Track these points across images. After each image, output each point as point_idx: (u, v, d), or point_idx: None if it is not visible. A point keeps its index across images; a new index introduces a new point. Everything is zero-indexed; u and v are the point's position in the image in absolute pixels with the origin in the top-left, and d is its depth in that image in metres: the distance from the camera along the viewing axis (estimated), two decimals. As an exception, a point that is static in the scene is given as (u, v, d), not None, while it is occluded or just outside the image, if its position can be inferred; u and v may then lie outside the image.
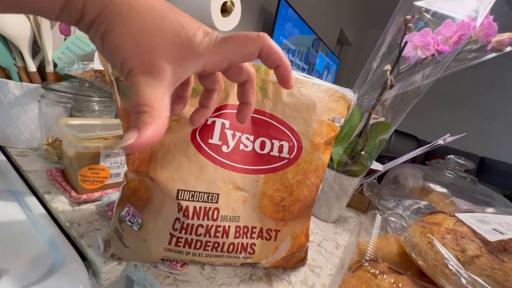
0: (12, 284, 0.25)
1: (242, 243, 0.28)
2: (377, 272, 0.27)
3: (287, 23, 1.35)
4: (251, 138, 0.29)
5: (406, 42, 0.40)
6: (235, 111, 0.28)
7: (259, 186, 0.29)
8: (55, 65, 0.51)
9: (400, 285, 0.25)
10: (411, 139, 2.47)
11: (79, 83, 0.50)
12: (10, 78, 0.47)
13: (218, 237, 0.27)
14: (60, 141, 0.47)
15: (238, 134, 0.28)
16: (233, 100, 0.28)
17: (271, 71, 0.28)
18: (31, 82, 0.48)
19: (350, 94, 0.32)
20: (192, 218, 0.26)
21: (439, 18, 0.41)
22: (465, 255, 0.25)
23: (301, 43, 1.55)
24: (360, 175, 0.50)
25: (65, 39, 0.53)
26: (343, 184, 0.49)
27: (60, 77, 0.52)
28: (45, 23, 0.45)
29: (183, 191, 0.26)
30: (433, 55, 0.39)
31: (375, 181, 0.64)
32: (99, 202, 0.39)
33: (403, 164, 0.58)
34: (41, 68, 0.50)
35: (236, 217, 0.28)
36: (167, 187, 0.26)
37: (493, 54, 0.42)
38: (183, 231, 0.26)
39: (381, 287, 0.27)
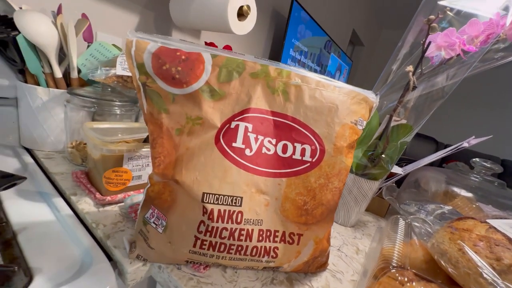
0: (45, 282, 0.26)
1: (265, 247, 0.28)
2: (405, 279, 0.26)
3: (300, 25, 1.34)
4: (273, 141, 0.29)
5: (429, 43, 0.39)
6: (258, 115, 0.28)
7: (282, 190, 0.28)
8: (79, 71, 0.53)
9: (431, 293, 0.25)
10: (429, 141, 2.39)
11: (101, 88, 0.52)
12: (38, 84, 0.49)
13: (241, 240, 0.27)
14: (84, 144, 0.49)
15: (260, 137, 0.28)
16: (255, 104, 0.28)
17: (293, 74, 0.28)
18: (57, 87, 0.50)
19: (372, 97, 0.31)
20: (217, 221, 0.26)
21: (463, 17, 0.40)
22: (500, 263, 0.24)
23: (313, 45, 1.54)
24: (380, 179, 0.49)
25: (88, 46, 0.55)
26: (362, 187, 0.48)
27: (84, 82, 0.54)
28: (71, 31, 0.47)
29: (208, 194, 0.26)
30: (458, 55, 0.38)
31: (394, 185, 0.62)
32: (122, 204, 0.40)
33: (424, 167, 0.56)
34: (66, 74, 0.53)
35: (259, 221, 0.28)
36: (193, 190, 0.26)
37: (522, 53, 0.40)
38: (208, 234, 0.26)
39: (410, 295, 0.26)
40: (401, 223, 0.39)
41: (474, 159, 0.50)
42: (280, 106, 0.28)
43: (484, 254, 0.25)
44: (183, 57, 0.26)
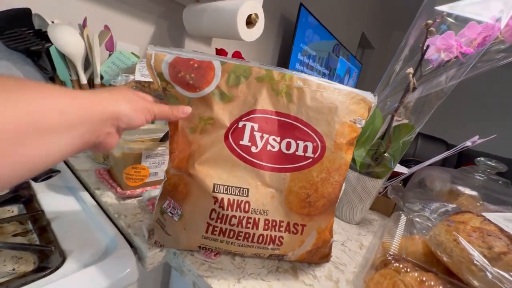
0: (76, 262, 0.30)
1: (271, 235, 0.31)
2: (401, 266, 0.28)
3: (308, 30, 1.37)
4: (278, 139, 0.31)
5: (428, 46, 0.41)
6: (263, 115, 0.31)
7: (286, 184, 0.31)
8: (102, 78, 0.58)
9: (424, 278, 0.26)
10: (439, 143, 2.33)
11: (121, 92, 0.56)
12: (66, 90, 0.54)
13: (249, 228, 0.30)
14: (106, 144, 0.54)
15: (265, 136, 0.31)
16: (261, 105, 0.31)
17: (295, 77, 0.31)
18: (82, 93, 0.55)
19: (370, 97, 0.34)
20: (227, 209, 0.29)
21: (462, 21, 0.41)
22: (491, 252, 0.25)
23: (321, 49, 1.56)
24: (384, 177, 0.50)
25: (110, 54, 0.60)
26: (366, 185, 0.50)
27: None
28: (96, 42, 0.52)
29: (218, 185, 0.29)
30: (456, 57, 0.39)
31: (400, 184, 0.63)
32: (141, 198, 0.44)
33: (429, 167, 0.57)
34: (90, 81, 0.58)
35: (265, 211, 0.30)
36: (205, 182, 0.29)
37: (523, 54, 0.41)
38: (219, 220, 0.29)
39: (405, 282, 0.28)
40: (403, 218, 0.40)
41: (478, 159, 0.50)
42: (283, 106, 0.31)
43: (476, 244, 0.27)
44: (195, 65, 0.29)
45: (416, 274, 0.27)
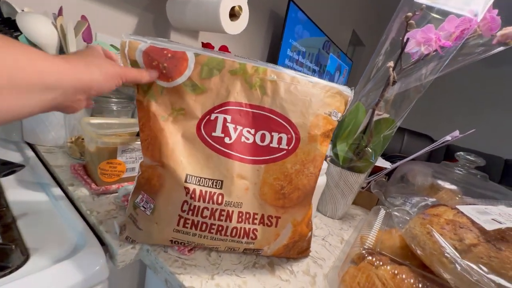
0: (40, 261, 0.28)
1: (245, 228, 0.30)
2: (374, 259, 0.28)
3: (297, 25, 1.36)
4: (252, 131, 0.31)
5: (408, 39, 0.40)
6: (237, 107, 0.30)
7: (260, 176, 0.30)
8: (78, 70, 0.56)
9: (396, 271, 0.26)
10: (425, 139, 2.37)
11: (99, 86, 0.54)
12: (39, 83, 0.52)
13: (222, 220, 0.29)
14: (83, 139, 0.52)
15: (239, 128, 0.30)
16: (234, 98, 0.30)
17: (269, 71, 0.30)
18: (57, 85, 0.53)
19: (346, 91, 0.33)
20: (198, 200, 0.28)
21: (443, 15, 0.41)
22: (462, 244, 0.25)
23: (311, 45, 1.55)
24: (365, 172, 0.50)
25: (87, 46, 0.58)
26: (348, 180, 0.50)
27: (83, 81, 0.57)
28: (70, 32, 0.50)
29: (191, 176, 0.29)
30: (435, 50, 0.39)
31: (384, 179, 0.64)
32: (116, 194, 0.42)
33: (412, 162, 0.58)
34: (66, 73, 0.55)
35: (239, 203, 0.30)
36: (177, 172, 0.28)
37: (501, 48, 0.41)
38: (190, 212, 0.29)
39: (379, 276, 0.28)
40: (382, 212, 0.40)
41: (458, 153, 0.51)
42: (257, 99, 0.30)
43: (448, 236, 0.27)
44: (169, 55, 0.28)
45: (389, 267, 0.27)
